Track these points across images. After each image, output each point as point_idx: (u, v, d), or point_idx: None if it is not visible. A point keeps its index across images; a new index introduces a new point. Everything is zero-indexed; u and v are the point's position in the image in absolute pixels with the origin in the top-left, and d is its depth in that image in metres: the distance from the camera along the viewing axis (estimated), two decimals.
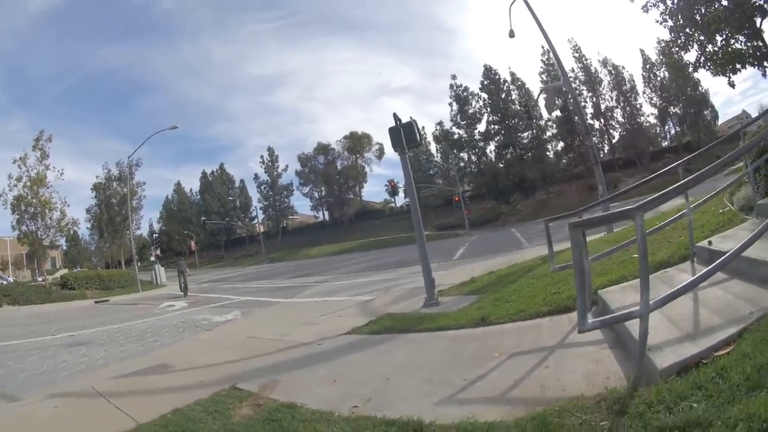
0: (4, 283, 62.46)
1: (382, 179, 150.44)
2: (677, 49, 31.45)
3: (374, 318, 9.13)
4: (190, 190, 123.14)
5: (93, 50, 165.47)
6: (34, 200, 31.62)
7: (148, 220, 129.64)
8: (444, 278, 13.16)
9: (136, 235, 63.69)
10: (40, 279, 38.73)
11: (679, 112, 73.23)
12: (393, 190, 73.07)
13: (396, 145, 10.05)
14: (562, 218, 8.07)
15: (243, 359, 7.54)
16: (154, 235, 62.40)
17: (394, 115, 9.90)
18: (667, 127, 78.59)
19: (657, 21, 29.80)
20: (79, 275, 37.99)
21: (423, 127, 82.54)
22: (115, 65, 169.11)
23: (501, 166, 73.59)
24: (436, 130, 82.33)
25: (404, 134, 9.83)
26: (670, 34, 30.67)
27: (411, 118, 10.20)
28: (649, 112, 75.43)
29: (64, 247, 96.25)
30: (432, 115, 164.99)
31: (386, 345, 6.90)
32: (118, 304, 24.98)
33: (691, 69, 33.95)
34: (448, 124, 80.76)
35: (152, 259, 47.48)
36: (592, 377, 3.86)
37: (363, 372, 5.72)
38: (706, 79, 69.70)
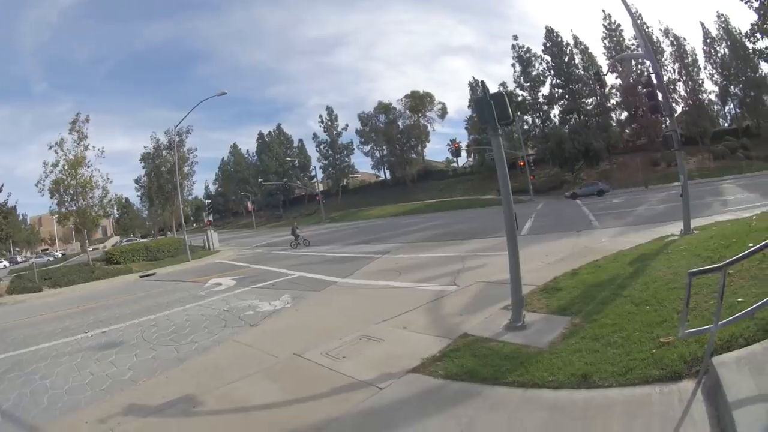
0: (51, 259, 65.52)
1: (443, 138, 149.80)
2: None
3: (449, 343, 7.37)
4: (247, 151, 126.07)
5: (137, 29, 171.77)
6: (73, 182, 31.42)
7: (203, 182, 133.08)
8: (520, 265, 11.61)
9: (191, 198, 63.78)
10: (90, 249, 39.01)
11: (739, 93, 68.82)
12: (456, 151, 71.29)
13: (485, 121, 7.89)
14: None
15: (285, 403, 6.15)
16: (207, 201, 62.35)
17: (482, 84, 7.83)
18: (727, 108, 74.47)
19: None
20: (125, 249, 38.39)
21: (487, 89, 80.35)
22: (163, 40, 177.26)
23: (565, 131, 70.07)
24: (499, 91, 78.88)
25: (495, 108, 7.64)
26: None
27: (502, 88, 8.07)
28: (710, 89, 71.32)
29: (116, 215, 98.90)
30: (493, 75, 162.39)
31: (467, 409, 5.23)
32: (163, 280, 24.30)
33: None
34: (511, 86, 77.45)
35: (207, 222, 47.29)
36: None
37: None
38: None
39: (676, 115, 69.78)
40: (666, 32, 70.43)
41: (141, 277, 27.19)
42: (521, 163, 62.14)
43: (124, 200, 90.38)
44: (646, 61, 61.85)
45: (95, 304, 18.43)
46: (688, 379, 4.74)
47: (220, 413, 6.18)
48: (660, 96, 16.77)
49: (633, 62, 64.77)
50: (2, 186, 34.56)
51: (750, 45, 54.41)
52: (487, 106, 7.61)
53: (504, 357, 6.36)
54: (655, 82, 17.77)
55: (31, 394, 8.24)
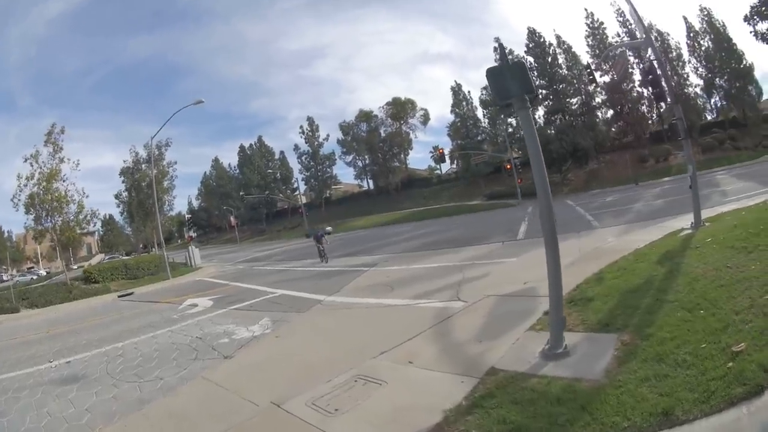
0: (35, 277, 64.19)
1: (426, 146, 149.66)
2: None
3: (475, 384, 5.60)
4: (229, 164, 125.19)
5: (123, 42, 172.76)
6: (47, 196, 30.15)
7: (186, 197, 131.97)
8: (527, 272, 10.68)
9: (172, 215, 62.56)
10: (75, 267, 37.98)
11: (724, 85, 69.62)
12: (440, 157, 70.34)
13: (507, 95, 6.10)
14: None
15: None
16: (187, 216, 60.73)
17: (500, 48, 6.33)
18: (713, 101, 75.14)
19: None
20: (103, 267, 37.22)
21: (468, 92, 79.85)
22: (147, 54, 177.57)
23: (551, 132, 69.61)
24: (482, 94, 78.04)
25: (520, 77, 5.93)
26: None
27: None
28: (695, 83, 72.19)
29: (100, 232, 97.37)
30: (474, 82, 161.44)
31: None
32: (139, 301, 23.19)
33: None
34: None
35: (188, 238, 45.95)
36: None
37: None
38: (749, 52, 68.17)
39: (662, 110, 70.85)
40: (649, 28, 70.19)
41: (119, 297, 26.07)
42: (508, 167, 60.94)
43: (107, 217, 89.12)
44: (630, 57, 62.79)
45: (66, 328, 17.34)
46: None
47: None
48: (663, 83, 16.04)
49: (626, 56, 64.38)
50: None
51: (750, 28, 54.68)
52: (510, 73, 5.94)
53: (556, 401, 4.75)
54: (657, 69, 16.87)
55: None
